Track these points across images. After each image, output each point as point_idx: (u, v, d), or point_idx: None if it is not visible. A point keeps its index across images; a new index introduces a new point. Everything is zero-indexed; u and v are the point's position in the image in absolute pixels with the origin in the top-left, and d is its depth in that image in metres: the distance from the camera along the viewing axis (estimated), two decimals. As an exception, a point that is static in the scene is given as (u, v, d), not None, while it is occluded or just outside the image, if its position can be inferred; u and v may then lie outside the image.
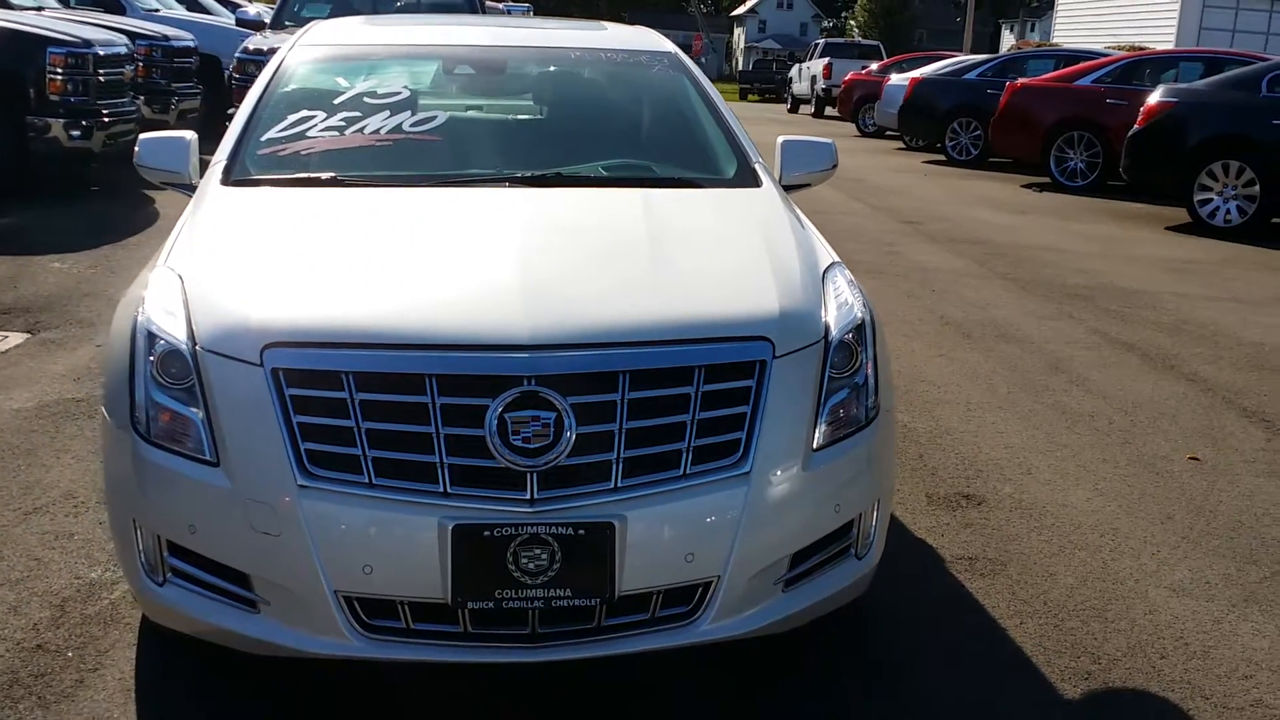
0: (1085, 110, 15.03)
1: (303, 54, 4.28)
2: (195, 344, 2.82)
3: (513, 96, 4.43)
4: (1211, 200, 11.56)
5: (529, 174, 3.80)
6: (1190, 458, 5.08)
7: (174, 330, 2.86)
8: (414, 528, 2.64)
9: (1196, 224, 11.71)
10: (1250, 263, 10.24)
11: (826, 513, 2.93)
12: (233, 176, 3.71)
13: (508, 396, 2.66)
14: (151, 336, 2.88)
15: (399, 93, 4.09)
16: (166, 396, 2.82)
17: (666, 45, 4.67)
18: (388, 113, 3.97)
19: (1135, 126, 12.06)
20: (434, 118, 3.96)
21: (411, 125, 3.95)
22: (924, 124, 19.74)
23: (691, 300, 2.96)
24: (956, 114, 18.90)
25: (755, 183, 3.92)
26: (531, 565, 2.64)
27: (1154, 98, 12.03)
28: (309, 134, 3.91)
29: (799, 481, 2.87)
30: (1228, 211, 11.46)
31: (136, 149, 3.89)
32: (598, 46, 4.57)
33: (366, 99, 4.06)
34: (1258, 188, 11.20)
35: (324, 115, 3.95)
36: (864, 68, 28.52)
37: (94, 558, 3.75)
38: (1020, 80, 16.59)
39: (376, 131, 3.93)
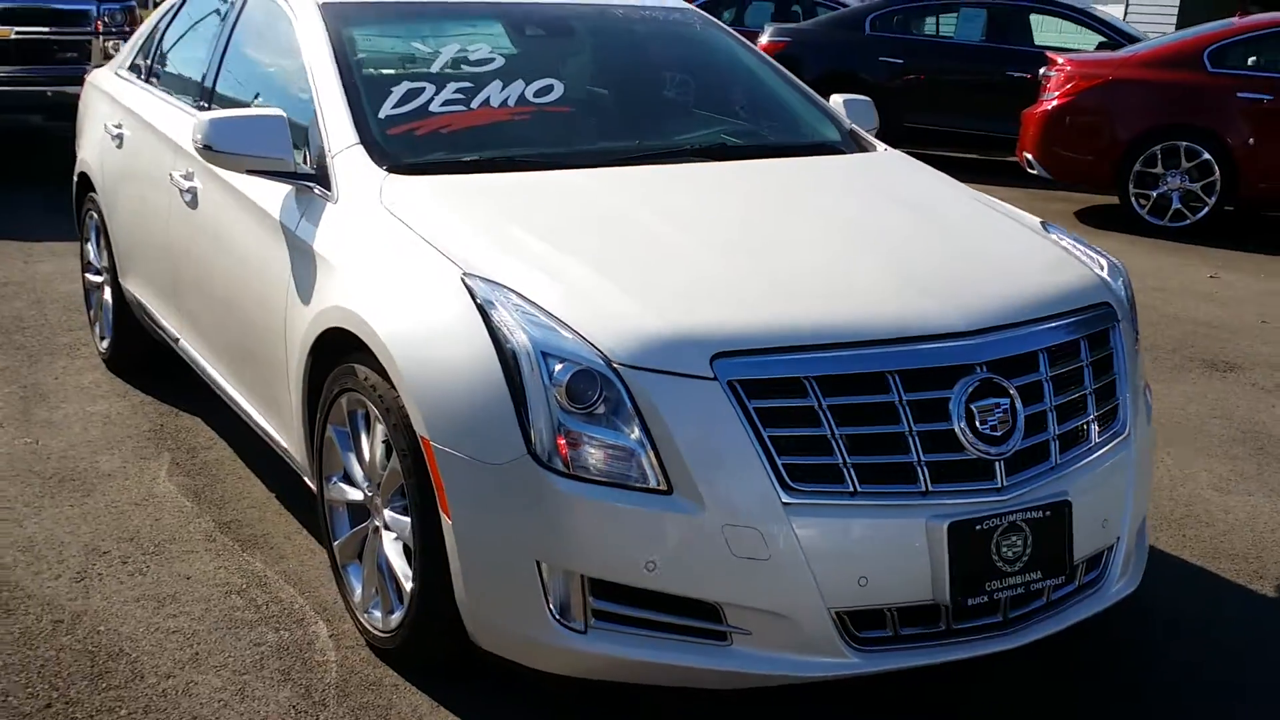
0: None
1: (342, 15, 3.77)
2: (610, 361, 2.53)
3: (582, 58, 4.13)
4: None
5: (691, 147, 3.64)
6: None
7: (577, 348, 2.55)
8: (904, 531, 2.56)
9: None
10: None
11: (1153, 469, 3.12)
12: (394, 163, 3.25)
13: (969, 385, 2.63)
14: (546, 357, 2.55)
15: (491, 58, 3.73)
16: (583, 422, 2.52)
17: (685, 4, 4.53)
18: (498, 82, 3.62)
19: None
20: (550, 87, 3.66)
21: (534, 96, 3.63)
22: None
23: (1035, 275, 3.02)
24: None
25: (869, 145, 3.96)
26: (1009, 553, 2.64)
27: (764, 38, 12.77)
28: (432, 109, 3.49)
29: (1147, 439, 3.05)
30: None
31: (204, 133, 3.30)
32: (634, 4, 4.36)
33: (464, 66, 3.67)
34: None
35: (431, 87, 3.54)
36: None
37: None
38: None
39: (505, 104, 3.57)
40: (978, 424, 2.60)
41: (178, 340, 4.29)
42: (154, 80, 4.81)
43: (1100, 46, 12.29)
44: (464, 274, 2.73)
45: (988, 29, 12.75)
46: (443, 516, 2.68)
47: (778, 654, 2.55)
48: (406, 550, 2.94)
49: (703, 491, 2.47)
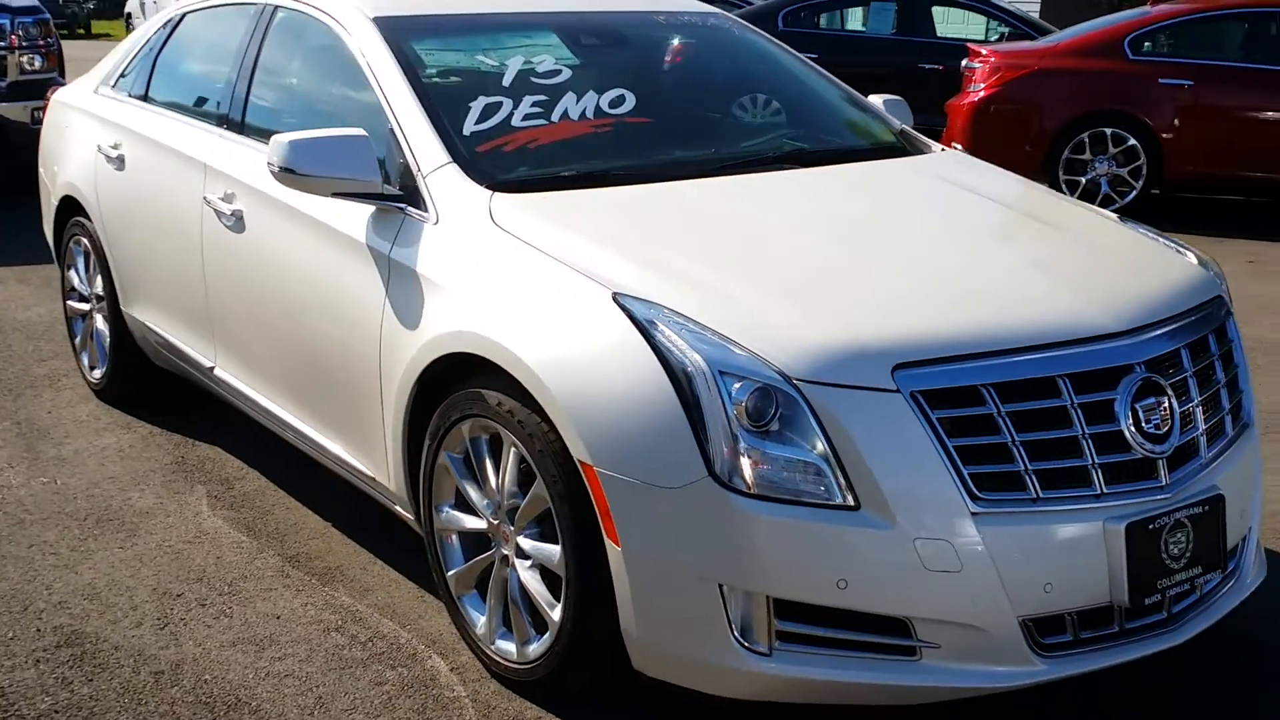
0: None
1: (400, 28, 3.66)
2: (789, 377, 2.50)
3: (640, 67, 4.06)
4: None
5: (771, 154, 3.62)
6: None
7: (754, 365, 2.52)
8: (1084, 535, 2.57)
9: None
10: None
11: None
12: (493, 180, 3.17)
13: (1132, 385, 2.65)
14: (723, 375, 2.50)
15: (558, 70, 3.65)
16: (764, 440, 2.49)
17: (709, 6, 4.49)
18: (571, 95, 3.55)
19: None
20: (622, 97, 3.60)
21: (610, 107, 3.56)
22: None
23: (1160, 272, 3.06)
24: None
25: (924, 145, 3.98)
26: (1175, 549, 2.67)
27: (677, 39, 12.76)
28: (514, 124, 3.41)
29: (1259, 428, 3.12)
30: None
31: (283, 156, 3.19)
32: (670, 9, 4.31)
33: (533, 79, 3.59)
34: None
35: (508, 101, 3.46)
36: None
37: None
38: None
39: (584, 116, 3.51)
40: (1142, 423, 2.62)
41: (211, 369, 4.13)
42: (154, 100, 4.61)
43: (1006, 37, 12.58)
44: (615, 294, 2.67)
45: (897, 22, 12.98)
46: (608, 543, 2.61)
47: (968, 666, 2.54)
48: (545, 577, 2.86)
49: (892, 505, 2.45)
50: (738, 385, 2.48)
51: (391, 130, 3.34)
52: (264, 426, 4.06)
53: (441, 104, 3.38)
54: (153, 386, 4.97)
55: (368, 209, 3.28)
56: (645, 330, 2.58)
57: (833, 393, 2.48)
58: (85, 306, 5.12)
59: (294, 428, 3.71)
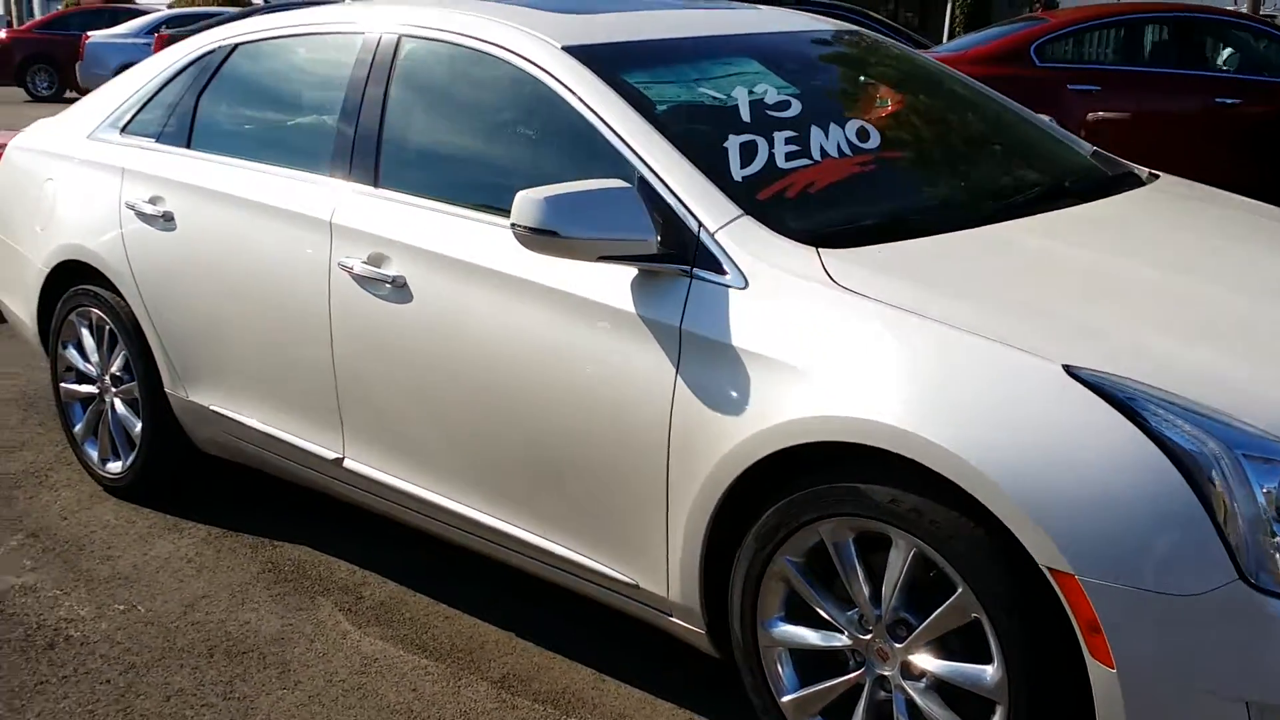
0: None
1: (605, 60, 3.15)
2: None
3: (850, 93, 3.63)
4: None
5: (1038, 191, 3.28)
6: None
7: (1271, 445, 2.17)
8: None
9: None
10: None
11: None
12: (797, 232, 2.72)
13: None
14: (1248, 460, 2.14)
15: (785, 100, 3.21)
16: (1298, 531, 2.14)
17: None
18: (814, 128, 3.11)
19: None
20: (865, 130, 3.18)
21: (859, 141, 3.14)
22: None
23: None
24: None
25: (1133, 168, 3.70)
26: None
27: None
28: (780, 165, 2.96)
29: None
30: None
31: (540, 215, 2.68)
32: (833, 27, 3.90)
33: (768, 112, 3.14)
34: None
35: (759, 139, 3.00)
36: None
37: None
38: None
39: (841, 153, 3.08)
40: None
41: (338, 461, 3.50)
42: (204, 147, 3.93)
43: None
44: (1067, 367, 2.26)
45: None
46: (1092, 665, 2.21)
47: None
48: (947, 698, 2.44)
49: None
50: (1265, 468, 2.12)
51: (642, 179, 2.83)
52: (343, 516, 3.56)
53: (700, 147, 2.90)
54: (190, 479, 4.30)
55: (617, 272, 2.78)
56: (1128, 409, 2.19)
57: None
58: (89, 389, 4.38)
59: (486, 526, 3.16)
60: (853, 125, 3.16)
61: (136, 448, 4.21)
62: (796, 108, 3.15)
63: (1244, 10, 18.18)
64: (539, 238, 2.69)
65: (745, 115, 3.07)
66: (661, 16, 3.58)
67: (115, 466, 4.33)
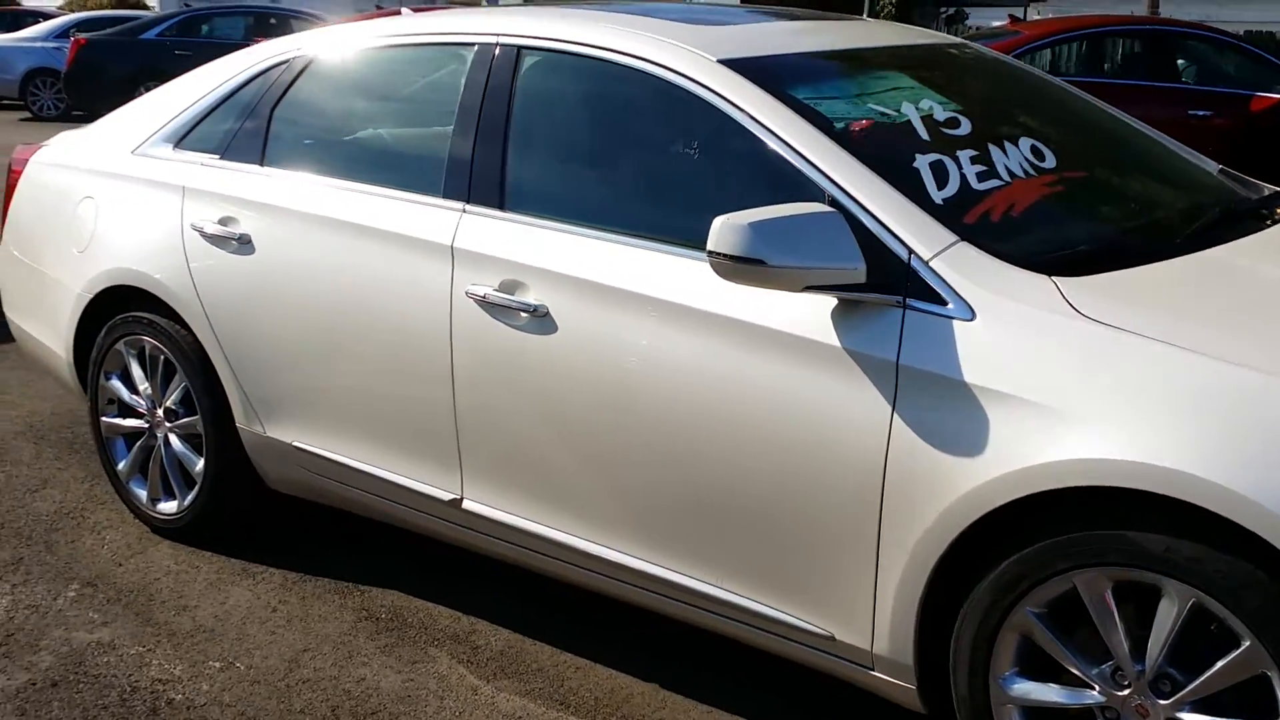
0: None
1: (770, 75, 2.97)
2: None
3: (1007, 106, 3.46)
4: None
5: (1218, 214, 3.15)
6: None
7: None
8: None
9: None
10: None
11: None
12: (1021, 259, 2.56)
13: None
14: None
15: (956, 118, 3.04)
16: None
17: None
18: (993, 147, 2.96)
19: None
20: (1039, 150, 3.03)
21: (1036, 159, 2.99)
22: (98, 92, 17.47)
23: None
24: (142, 78, 17.13)
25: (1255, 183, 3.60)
26: None
27: None
28: (974, 185, 2.80)
29: None
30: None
31: (741, 241, 2.50)
32: (947, 40, 3.74)
33: (943, 130, 2.97)
34: None
35: (945, 158, 2.84)
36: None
37: None
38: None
39: (1025, 173, 2.92)
40: None
41: (455, 502, 3.27)
42: (283, 164, 3.67)
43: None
44: None
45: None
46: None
47: None
48: None
49: None
50: None
51: (834, 202, 2.65)
52: (421, 556, 3.37)
53: (896, 167, 2.73)
54: (254, 519, 4.04)
55: (811, 303, 2.60)
56: None
57: None
58: (136, 424, 4.07)
59: (644, 574, 2.95)
60: (1025, 143, 3.00)
61: (197, 486, 3.92)
62: (967, 125, 2.98)
63: (1143, 13, 18.50)
64: (742, 267, 2.50)
65: (923, 133, 2.89)
66: (792, 28, 3.40)
67: (169, 506, 4.03)
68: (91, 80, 17.29)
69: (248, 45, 13.01)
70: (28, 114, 19.29)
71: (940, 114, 3.00)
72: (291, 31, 16.66)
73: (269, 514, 4.06)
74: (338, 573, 3.81)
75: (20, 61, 19.63)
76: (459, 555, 3.68)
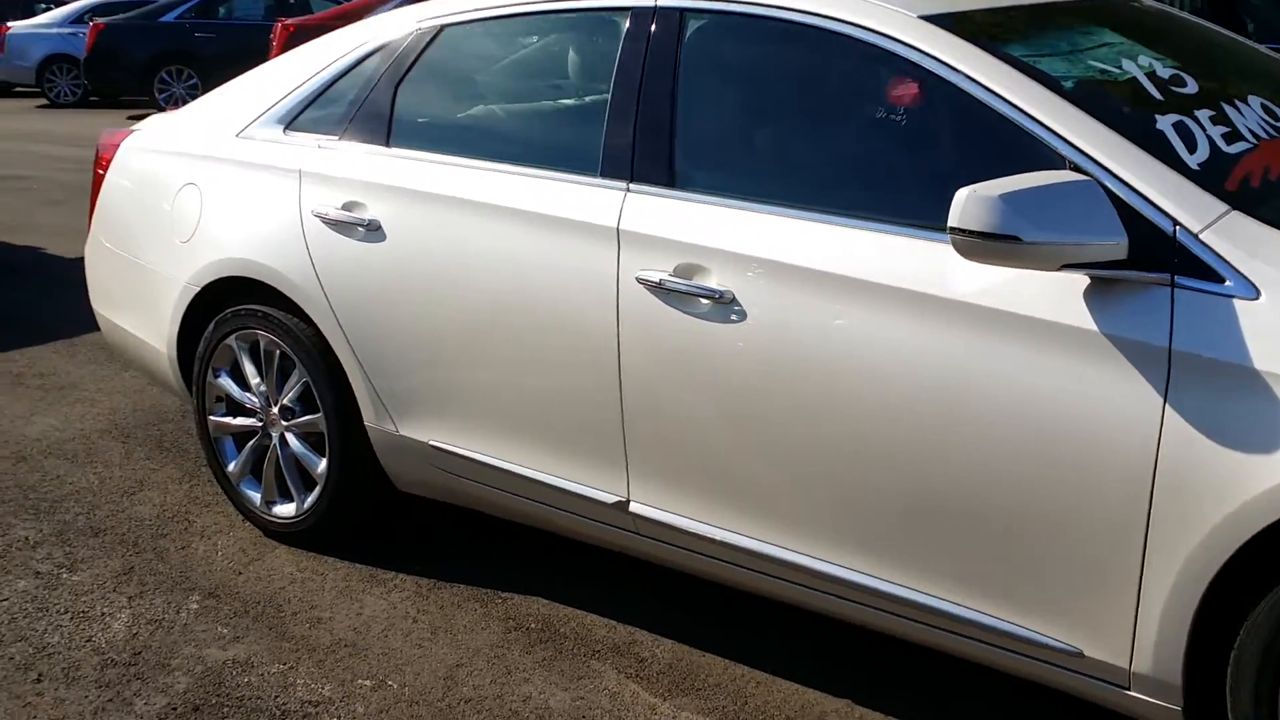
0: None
1: (977, 30, 2.70)
2: None
3: (1217, 61, 3.17)
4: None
5: None
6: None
7: None
8: None
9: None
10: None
11: None
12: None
13: None
14: None
15: (1180, 77, 2.77)
16: None
17: None
18: (1230, 108, 2.69)
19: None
20: (1271, 108, 2.76)
21: (1270, 120, 2.72)
22: (118, 76, 17.19)
23: None
24: (163, 62, 16.89)
25: None
26: None
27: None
28: (1223, 149, 2.52)
29: None
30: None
31: (991, 215, 2.23)
32: None
33: (1173, 89, 2.70)
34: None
35: (1186, 119, 2.56)
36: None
37: None
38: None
39: (1268, 134, 2.65)
40: None
41: (621, 504, 3.01)
42: (413, 145, 3.40)
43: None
44: None
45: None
46: None
47: None
48: None
49: None
50: None
51: (1077, 170, 2.38)
52: (553, 557, 3.13)
53: (1128, 129, 2.45)
54: (378, 522, 3.81)
55: (1054, 283, 2.33)
56: None
57: None
58: (248, 423, 3.81)
59: (846, 583, 2.70)
60: (1255, 101, 2.72)
61: (320, 488, 3.67)
62: (1192, 83, 2.71)
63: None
64: (992, 244, 2.23)
65: (1155, 93, 2.62)
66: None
67: (286, 510, 3.78)
68: (111, 65, 17.02)
69: (268, 26, 13.10)
70: (45, 100, 19.02)
71: (1163, 71, 2.73)
72: (311, 12, 16.39)
73: (393, 516, 3.81)
74: (473, 578, 3.57)
75: (36, 48, 19.34)
76: (598, 558, 3.44)
